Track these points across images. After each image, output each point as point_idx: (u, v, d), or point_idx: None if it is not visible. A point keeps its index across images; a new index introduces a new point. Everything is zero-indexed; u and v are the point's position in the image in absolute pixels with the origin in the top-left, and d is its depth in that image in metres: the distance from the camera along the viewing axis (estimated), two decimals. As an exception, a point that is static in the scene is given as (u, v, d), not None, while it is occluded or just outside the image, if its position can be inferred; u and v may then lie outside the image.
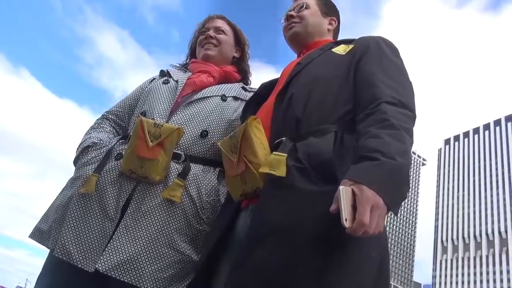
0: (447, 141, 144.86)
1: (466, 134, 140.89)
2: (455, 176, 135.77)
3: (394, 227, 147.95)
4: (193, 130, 1.27)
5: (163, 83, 1.41)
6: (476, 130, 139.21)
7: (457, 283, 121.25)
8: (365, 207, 0.76)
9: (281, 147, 0.97)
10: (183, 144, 1.24)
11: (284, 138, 1.00)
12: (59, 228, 1.17)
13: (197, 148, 1.27)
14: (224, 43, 1.56)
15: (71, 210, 1.16)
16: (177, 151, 1.22)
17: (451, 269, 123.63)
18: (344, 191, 0.77)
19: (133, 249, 1.08)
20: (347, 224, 0.75)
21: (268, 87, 1.29)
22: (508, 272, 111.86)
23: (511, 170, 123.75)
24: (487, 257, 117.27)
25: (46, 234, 1.21)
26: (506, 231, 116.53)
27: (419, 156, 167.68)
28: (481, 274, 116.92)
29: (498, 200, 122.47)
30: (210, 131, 1.30)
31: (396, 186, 0.82)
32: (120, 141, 1.31)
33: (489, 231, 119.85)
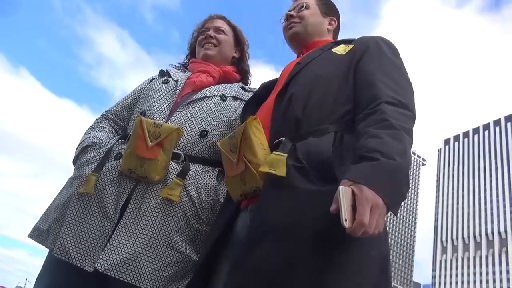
0: (446, 141, 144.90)
1: (466, 134, 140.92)
2: (455, 176, 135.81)
3: (394, 227, 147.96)
4: (192, 130, 1.27)
5: (163, 82, 1.41)
6: (476, 130, 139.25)
7: (456, 283, 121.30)
8: (364, 207, 0.76)
9: (280, 147, 0.98)
10: (183, 144, 1.24)
11: (284, 138, 1.00)
12: (58, 228, 1.17)
13: (197, 148, 1.27)
14: (224, 43, 1.56)
15: (70, 209, 1.16)
16: (176, 151, 1.22)
17: (451, 269, 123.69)
18: (344, 191, 0.77)
19: (132, 248, 1.08)
20: (346, 224, 0.75)
21: (267, 87, 1.29)
22: (507, 272, 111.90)
23: (511, 170, 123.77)
24: (486, 257, 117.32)
25: (45, 234, 1.21)
26: (505, 231, 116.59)
27: (418, 156, 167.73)
28: (480, 274, 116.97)
29: (497, 201, 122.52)
30: (210, 131, 1.30)
31: (395, 186, 0.82)
32: (120, 140, 1.31)
33: (489, 231, 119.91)
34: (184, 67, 1.59)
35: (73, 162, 1.36)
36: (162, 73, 1.50)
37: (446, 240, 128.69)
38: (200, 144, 1.27)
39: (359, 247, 0.82)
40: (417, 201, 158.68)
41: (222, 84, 1.46)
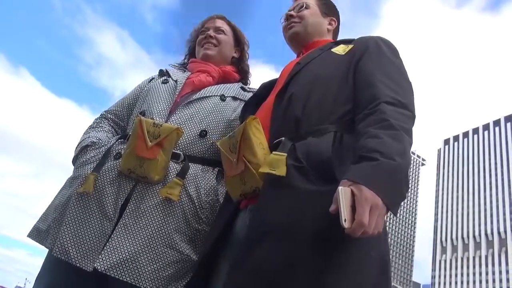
0: (446, 141, 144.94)
1: (465, 134, 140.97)
2: (455, 176, 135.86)
3: (394, 227, 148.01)
4: (192, 130, 1.27)
5: (162, 82, 1.41)
6: (475, 130, 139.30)
7: (456, 283, 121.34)
8: (364, 207, 0.76)
9: (280, 147, 0.98)
10: (182, 144, 1.24)
11: (283, 138, 1.00)
12: (58, 228, 1.17)
13: (196, 148, 1.27)
14: (224, 43, 1.56)
15: (70, 209, 1.16)
16: (176, 151, 1.22)
17: (450, 269, 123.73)
18: (343, 192, 0.77)
19: (132, 248, 1.08)
20: (346, 224, 0.75)
21: (267, 87, 1.29)
22: (507, 272, 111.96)
23: (510, 170, 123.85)
24: (486, 257, 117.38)
25: (45, 234, 1.21)
26: (505, 231, 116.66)
27: (418, 156, 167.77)
28: (480, 274, 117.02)
29: (497, 201, 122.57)
30: (209, 131, 1.30)
31: (395, 186, 0.82)
32: (119, 140, 1.31)
33: (488, 231, 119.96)
34: (183, 67, 1.59)
35: (72, 161, 1.36)
36: (162, 73, 1.50)
37: (446, 240, 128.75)
38: (200, 144, 1.27)
39: (359, 247, 0.82)
40: (416, 201, 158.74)
41: (222, 84, 1.46)
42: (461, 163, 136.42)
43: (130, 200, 1.15)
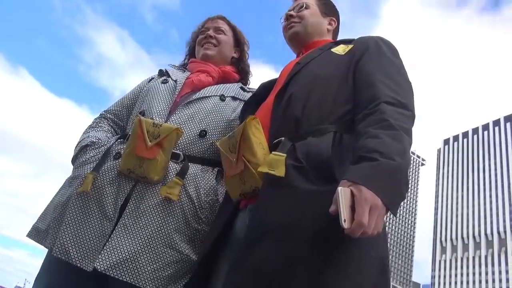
0: (446, 141, 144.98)
1: (465, 134, 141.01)
2: (454, 176, 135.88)
3: (393, 227, 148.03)
4: (191, 130, 1.27)
5: (162, 82, 1.41)
6: (475, 130, 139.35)
7: (456, 283, 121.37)
8: (363, 207, 0.76)
9: (280, 147, 0.97)
10: (182, 144, 1.24)
11: (283, 138, 1.00)
12: (57, 228, 1.17)
13: (196, 148, 1.27)
14: (224, 43, 1.56)
15: (69, 209, 1.16)
16: (175, 151, 1.22)
17: (450, 269, 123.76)
18: (343, 192, 0.77)
19: (131, 248, 1.08)
20: (346, 225, 0.75)
21: (267, 87, 1.29)
22: (506, 272, 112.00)
23: (510, 170, 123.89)
24: (486, 257, 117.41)
25: (44, 233, 1.21)
26: (505, 232, 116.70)
27: (418, 156, 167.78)
28: (480, 274, 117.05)
29: (497, 201, 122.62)
30: (209, 131, 1.30)
31: (395, 187, 0.82)
32: (119, 140, 1.31)
33: (488, 231, 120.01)
34: (183, 67, 1.59)
35: (71, 161, 1.36)
36: (161, 73, 1.50)
37: (446, 240, 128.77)
38: (199, 144, 1.27)
39: (359, 247, 0.82)
40: (416, 201, 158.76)
41: (221, 84, 1.46)
42: (461, 163, 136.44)
43: (130, 200, 1.15)
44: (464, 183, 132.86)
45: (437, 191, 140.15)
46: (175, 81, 1.40)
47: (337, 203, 0.77)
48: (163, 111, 1.29)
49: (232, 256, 0.94)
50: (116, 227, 1.11)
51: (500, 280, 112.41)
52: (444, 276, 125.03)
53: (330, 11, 1.41)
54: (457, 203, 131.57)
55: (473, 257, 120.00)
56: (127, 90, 1.56)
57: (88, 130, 1.43)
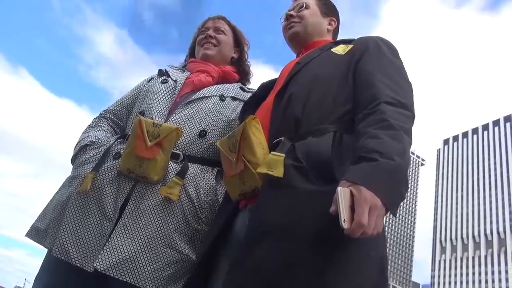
0: (446, 141, 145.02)
1: (465, 135, 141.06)
2: (454, 176, 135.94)
3: (393, 227, 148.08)
4: (191, 130, 1.27)
5: (162, 82, 1.41)
6: (475, 131, 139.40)
7: (455, 283, 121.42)
8: (363, 208, 0.76)
9: (279, 146, 0.97)
10: (182, 143, 1.24)
11: (283, 137, 1.00)
12: (57, 227, 1.17)
13: (196, 148, 1.27)
14: (224, 43, 1.57)
15: (69, 209, 1.16)
16: (175, 151, 1.22)
17: (450, 269, 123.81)
18: (342, 192, 0.77)
19: (131, 248, 1.08)
20: (345, 225, 0.75)
21: (267, 87, 1.29)
22: (506, 272, 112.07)
23: (510, 170, 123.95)
24: (485, 257, 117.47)
25: (43, 233, 1.21)
26: (504, 232, 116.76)
27: (418, 156, 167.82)
28: (479, 274, 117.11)
29: (496, 201, 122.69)
30: (209, 131, 1.30)
31: (394, 187, 0.82)
32: (118, 140, 1.30)
33: (488, 231, 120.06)
34: (183, 67, 1.59)
35: (71, 161, 1.35)
36: (161, 73, 1.50)
37: (445, 240, 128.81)
38: (199, 144, 1.27)
39: (359, 247, 0.82)
40: (416, 201, 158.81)
41: (221, 84, 1.46)
42: (461, 163, 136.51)
43: (130, 200, 1.15)
44: (463, 183, 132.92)
45: (436, 191, 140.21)
46: (175, 81, 1.40)
47: (336, 203, 0.77)
48: (163, 111, 1.29)
49: (232, 256, 0.94)
50: (116, 227, 1.11)
51: (500, 280, 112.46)
52: (444, 276, 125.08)
53: (330, 11, 1.41)
54: (456, 203, 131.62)
55: (473, 257, 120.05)
56: (126, 90, 1.56)
57: (88, 130, 1.43)
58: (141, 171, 1.15)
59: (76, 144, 1.36)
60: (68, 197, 1.21)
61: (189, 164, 1.22)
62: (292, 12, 1.37)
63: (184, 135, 1.24)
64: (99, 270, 1.04)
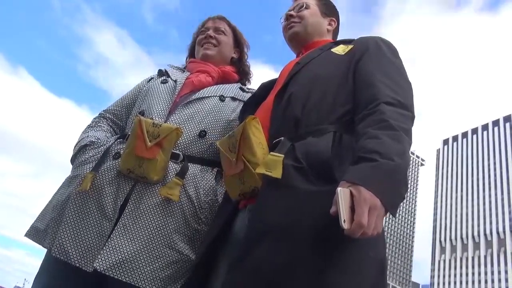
0: (445, 142, 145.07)
1: (464, 135, 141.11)
2: (454, 176, 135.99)
3: (393, 227, 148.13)
4: (191, 130, 1.27)
5: (162, 82, 1.41)
6: (474, 131, 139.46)
7: (455, 283, 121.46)
8: (363, 208, 0.76)
9: (279, 147, 0.97)
10: (181, 144, 1.24)
11: (283, 138, 0.99)
12: (57, 227, 1.17)
13: (195, 148, 1.27)
14: (224, 43, 1.57)
15: (68, 209, 1.16)
16: (175, 151, 1.22)
17: (450, 269, 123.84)
18: (342, 193, 0.77)
19: (131, 248, 1.08)
20: (345, 225, 0.75)
21: (267, 87, 1.29)
22: (506, 272, 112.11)
23: (509, 170, 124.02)
24: (485, 257, 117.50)
25: (43, 233, 1.20)
26: (504, 232, 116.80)
27: (417, 157, 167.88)
28: (479, 274, 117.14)
29: (496, 201, 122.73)
30: (209, 131, 1.30)
31: (394, 187, 0.82)
32: (118, 140, 1.30)
33: (488, 231, 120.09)
34: (182, 67, 1.59)
35: (71, 161, 1.35)
36: (161, 73, 1.50)
37: (445, 240, 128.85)
38: (199, 144, 1.27)
39: (359, 248, 0.82)
40: (415, 201, 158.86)
41: (221, 85, 1.46)
42: (460, 163, 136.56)
43: (129, 200, 1.15)
44: (463, 183, 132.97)
45: (436, 191, 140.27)
46: (175, 81, 1.40)
47: (337, 204, 0.77)
48: (162, 111, 1.29)
49: (231, 256, 0.94)
50: (116, 227, 1.11)
51: (500, 280, 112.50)
52: (444, 276, 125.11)
53: (330, 12, 1.41)
54: (456, 203, 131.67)
55: (472, 257, 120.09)
56: (126, 90, 1.56)
57: (87, 129, 1.43)
58: (141, 171, 1.15)
59: (76, 144, 1.36)
60: (68, 197, 1.20)
61: (189, 164, 1.22)
62: (292, 12, 1.37)
63: (184, 135, 1.24)
64: (98, 270, 1.04)
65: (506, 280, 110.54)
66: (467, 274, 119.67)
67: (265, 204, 0.90)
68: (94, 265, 1.05)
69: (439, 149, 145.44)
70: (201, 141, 1.28)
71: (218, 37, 1.55)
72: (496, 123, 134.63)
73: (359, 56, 1.10)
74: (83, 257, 1.09)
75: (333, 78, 1.08)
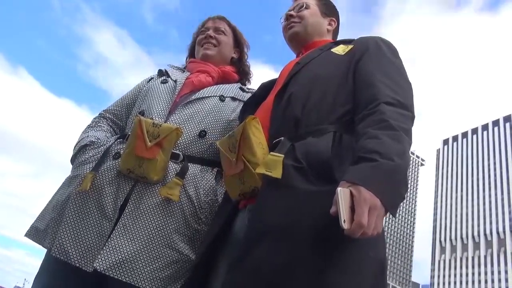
0: (445, 142, 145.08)
1: (464, 135, 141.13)
2: (454, 176, 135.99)
3: (393, 227, 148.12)
4: (191, 130, 1.27)
5: (162, 82, 1.42)
6: (474, 131, 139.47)
7: (455, 283, 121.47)
8: (363, 208, 0.76)
9: (279, 147, 0.97)
10: (181, 144, 1.24)
11: (283, 138, 1.00)
12: (57, 227, 1.17)
13: (195, 148, 1.27)
14: (224, 43, 1.57)
15: (68, 209, 1.16)
16: (175, 151, 1.22)
17: (449, 269, 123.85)
18: (342, 193, 0.77)
19: (131, 248, 1.08)
20: (345, 225, 0.75)
21: (267, 87, 1.29)
22: (506, 272, 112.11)
23: (509, 170, 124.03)
24: (485, 257, 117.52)
25: (43, 233, 1.20)
26: (504, 232, 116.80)
27: (417, 157, 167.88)
28: (479, 274, 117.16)
29: (496, 200, 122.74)
30: (208, 131, 1.30)
31: (394, 187, 0.82)
32: (118, 140, 1.30)
33: (487, 231, 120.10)
34: (182, 67, 1.59)
35: (70, 161, 1.35)
36: (161, 73, 1.50)
37: (445, 240, 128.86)
38: (199, 144, 1.27)
39: (359, 248, 0.82)
40: (415, 201, 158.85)
41: (221, 85, 1.46)
42: (460, 163, 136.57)
43: (129, 200, 1.15)
44: (463, 183, 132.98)
45: (436, 191, 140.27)
46: (175, 81, 1.40)
47: (337, 204, 0.77)
48: (162, 111, 1.29)
49: (231, 256, 0.94)
50: (116, 227, 1.11)
51: (499, 280, 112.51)
52: (444, 276, 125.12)
53: (330, 12, 1.41)
54: (456, 203, 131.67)
55: (472, 257, 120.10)
56: (126, 90, 1.56)
57: (87, 129, 1.43)
58: (141, 171, 1.15)
59: (76, 144, 1.36)
60: (68, 197, 1.20)
61: (189, 164, 1.22)
62: (292, 12, 1.37)
63: (184, 135, 1.24)
64: (98, 270, 1.04)
65: (506, 280, 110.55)
66: (467, 274, 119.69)
67: (265, 204, 0.90)
68: (94, 265, 1.05)
69: (439, 149, 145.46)
70: (201, 141, 1.28)
71: (218, 37, 1.55)
72: (496, 123, 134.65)
73: (359, 56, 1.10)
74: (83, 257, 1.09)
75: (333, 78, 1.08)
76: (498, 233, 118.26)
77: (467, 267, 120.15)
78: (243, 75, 1.62)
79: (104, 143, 1.31)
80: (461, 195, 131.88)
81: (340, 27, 1.43)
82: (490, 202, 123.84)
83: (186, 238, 1.15)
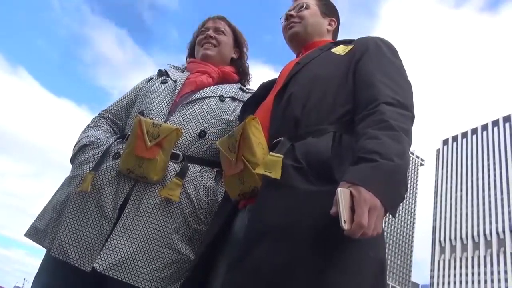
0: (445, 142, 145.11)
1: (464, 135, 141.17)
2: (453, 176, 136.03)
3: (392, 227, 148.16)
4: (191, 130, 1.27)
5: (161, 82, 1.41)
6: (474, 131, 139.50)
7: (455, 283, 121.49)
8: (363, 209, 0.76)
9: (278, 147, 0.97)
10: (181, 144, 1.24)
11: (283, 138, 0.99)
12: (56, 227, 1.17)
13: (195, 148, 1.27)
14: (224, 43, 1.57)
15: (68, 209, 1.16)
16: (175, 151, 1.22)
17: (449, 269, 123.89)
18: (342, 193, 0.77)
19: (130, 248, 1.08)
20: (345, 226, 0.75)
21: (266, 87, 1.29)
22: (505, 272, 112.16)
23: (509, 170, 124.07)
24: (485, 257, 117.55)
25: (42, 233, 1.20)
26: (503, 232, 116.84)
27: (417, 157, 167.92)
28: (479, 274, 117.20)
29: (496, 201, 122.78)
30: (208, 132, 1.30)
31: (394, 188, 0.82)
32: (118, 140, 1.30)
33: (487, 231, 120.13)
34: (182, 67, 1.59)
35: (70, 161, 1.35)
36: (161, 73, 1.50)
37: (445, 240, 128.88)
38: (199, 145, 1.27)
39: (359, 248, 0.83)
40: (415, 201, 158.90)
41: (221, 85, 1.46)
42: (460, 163, 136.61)
43: (129, 200, 1.15)
44: (463, 183, 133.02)
45: (436, 191, 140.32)
46: (175, 81, 1.40)
47: (337, 204, 0.77)
48: (162, 111, 1.29)
49: (231, 256, 0.94)
50: (116, 227, 1.10)
51: (499, 280, 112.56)
52: (443, 276, 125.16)
53: (330, 12, 1.41)
54: (456, 203, 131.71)
55: (472, 257, 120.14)
56: (126, 90, 1.56)
57: (87, 129, 1.43)
58: (141, 171, 1.15)
59: (75, 144, 1.36)
60: (67, 197, 1.20)
61: (188, 164, 1.22)
62: (292, 12, 1.37)
63: (184, 135, 1.24)
64: (98, 270, 1.04)
65: (506, 280, 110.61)
66: (466, 274, 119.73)
67: (265, 204, 0.90)
68: (94, 265, 1.05)
69: (438, 149, 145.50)
70: (201, 141, 1.28)
71: (218, 37, 1.55)
72: (495, 123, 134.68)
73: (359, 56, 1.10)
74: (83, 257, 1.09)
75: (333, 78, 1.08)
76: (497, 233, 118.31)
77: (466, 267, 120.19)
78: (243, 75, 1.62)
79: (104, 143, 1.31)
80: (460, 195, 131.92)
81: (340, 27, 1.43)
82: (489, 202, 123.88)
83: (186, 238, 1.15)
